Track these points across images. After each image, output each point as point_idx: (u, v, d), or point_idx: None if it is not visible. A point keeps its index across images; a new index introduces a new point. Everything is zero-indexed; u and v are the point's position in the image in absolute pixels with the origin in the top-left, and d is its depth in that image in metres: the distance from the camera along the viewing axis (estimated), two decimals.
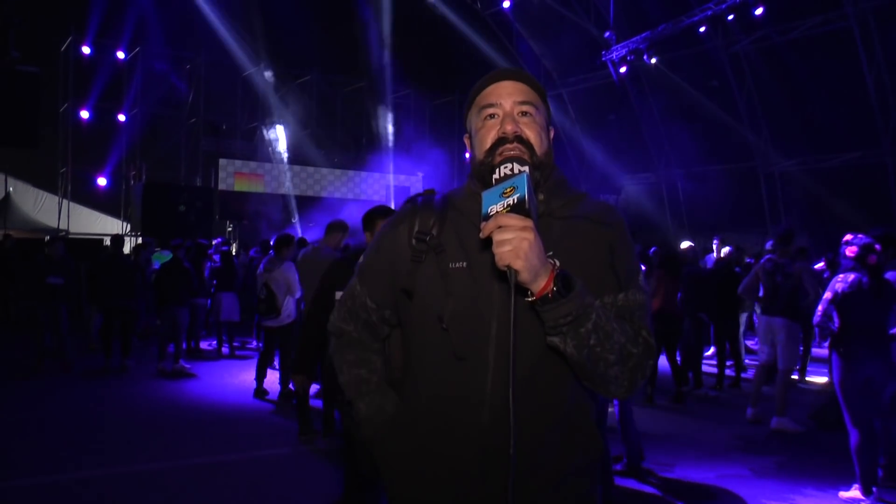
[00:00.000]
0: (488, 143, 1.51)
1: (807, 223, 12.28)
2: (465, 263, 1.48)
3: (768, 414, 6.58)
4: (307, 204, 18.00)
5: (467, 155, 1.65)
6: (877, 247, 4.68)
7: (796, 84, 13.62)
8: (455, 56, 19.14)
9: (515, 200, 1.29)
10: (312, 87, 19.04)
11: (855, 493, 4.54)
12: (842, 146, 13.61)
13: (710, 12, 14.20)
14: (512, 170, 1.36)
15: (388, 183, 19.88)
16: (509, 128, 1.49)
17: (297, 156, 19.09)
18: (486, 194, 1.34)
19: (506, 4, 18.41)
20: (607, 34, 16.93)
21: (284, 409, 6.96)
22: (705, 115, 15.22)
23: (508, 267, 1.27)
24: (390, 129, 20.51)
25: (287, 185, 18.36)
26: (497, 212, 1.29)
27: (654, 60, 15.86)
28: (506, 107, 1.51)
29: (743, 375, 8.43)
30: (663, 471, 5.15)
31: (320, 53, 17.57)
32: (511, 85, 1.53)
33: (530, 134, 1.50)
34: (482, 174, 1.52)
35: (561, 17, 17.73)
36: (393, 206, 18.52)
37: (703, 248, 9.75)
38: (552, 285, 1.30)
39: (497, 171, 1.37)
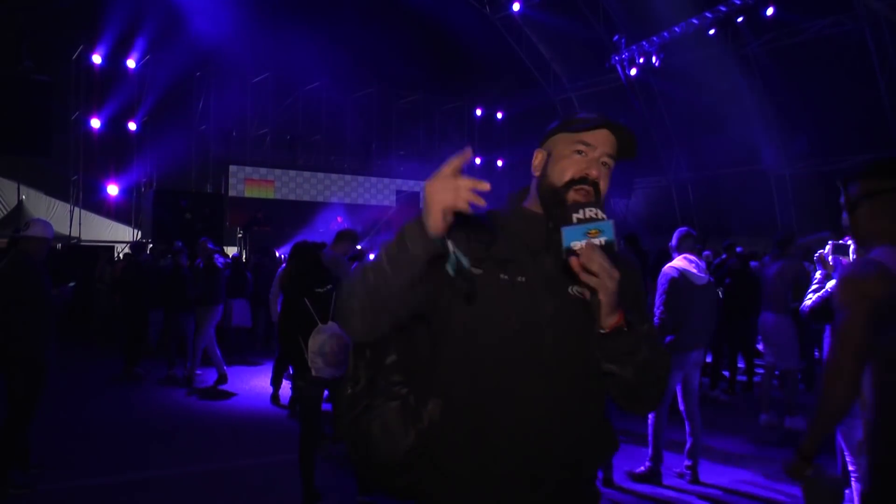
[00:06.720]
0: (569, 174, 1.62)
1: (818, 226, 12.16)
2: (524, 279, 1.59)
3: (781, 417, 6.56)
4: (317, 210, 18.05)
5: (536, 173, 1.70)
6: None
7: (807, 86, 13.52)
8: (464, 61, 19.13)
9: (604, 242, 1.41)
10: (321, 93, 19.07)
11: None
12: (853, 148, 13.50)
13: (719, 14, 14.15)
14: (597, 214, 1.44)
15: (397, 188, 19.90)
16: (594, 172, 1.61)
17: (307, 161, 19.13)
18: (567, 230, 1.43)
19: (515, 8, 18.41)
20: (616, 37, 16.91)
21: (295, 414, 6.96)
22: (715, 117, 15.11)
23: (594, 295, 1.42)
24: (399, 134, 20.55)
25: (297, 190, 18.42)
26: (583, 247, 1.41)
27: (662, 63, 15.81)
28: (597, 152, 1.63)
29: (756, 380, 8.38)
30: (677, 476, 5.13)
31: (329, 60, 17.61)
32: (610, 135, 1.65)
33: (603, 184, 1.63)
34: (547, 198, 1.64)
35: (570, 21, 17.71)
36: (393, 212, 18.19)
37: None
38: (623, 321, 1.46)
39: (581, 211, 1.45)
